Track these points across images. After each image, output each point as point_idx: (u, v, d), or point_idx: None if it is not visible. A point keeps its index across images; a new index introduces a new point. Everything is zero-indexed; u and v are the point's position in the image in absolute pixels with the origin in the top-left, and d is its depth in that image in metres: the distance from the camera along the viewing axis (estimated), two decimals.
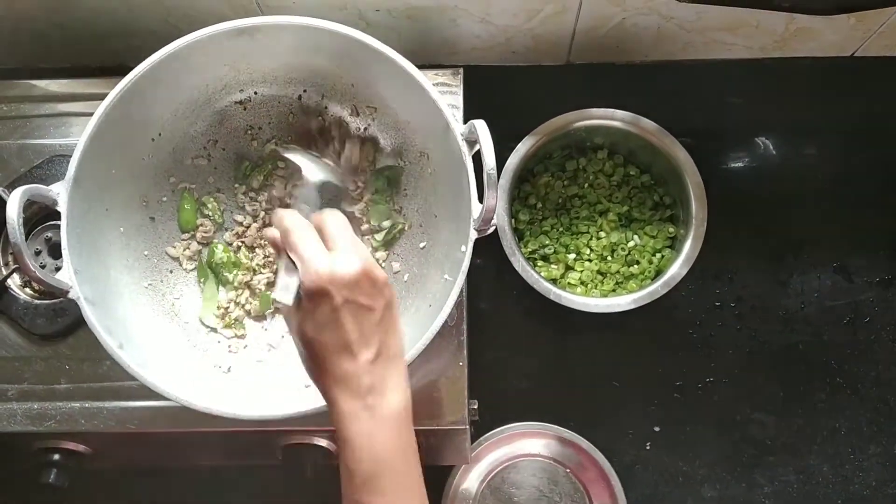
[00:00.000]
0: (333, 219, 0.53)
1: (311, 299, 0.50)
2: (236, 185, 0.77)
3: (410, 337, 0.65)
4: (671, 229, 0.86)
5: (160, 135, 0.72)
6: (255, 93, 0.75)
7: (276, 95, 0.75)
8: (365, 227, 0.76)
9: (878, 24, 0.86)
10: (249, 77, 0.73)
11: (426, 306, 0.70)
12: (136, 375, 0.62)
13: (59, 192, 0.63)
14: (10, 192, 0.74)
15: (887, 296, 0.89)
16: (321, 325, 0.50)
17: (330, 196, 0.64)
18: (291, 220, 0.53)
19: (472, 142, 0.64)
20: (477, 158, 0.63)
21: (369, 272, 0.50)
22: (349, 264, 0.49)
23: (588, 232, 0.87)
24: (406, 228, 0.76)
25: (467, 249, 0.64)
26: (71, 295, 0.62)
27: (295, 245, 0.51)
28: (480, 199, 0.63)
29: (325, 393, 0.52)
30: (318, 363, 0.51)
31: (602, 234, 0.87)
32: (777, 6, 0.71)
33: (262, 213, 0.77)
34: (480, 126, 0.61)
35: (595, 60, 0.94)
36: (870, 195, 0.92)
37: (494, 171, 0.60)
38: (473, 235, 0.64)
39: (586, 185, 0.89)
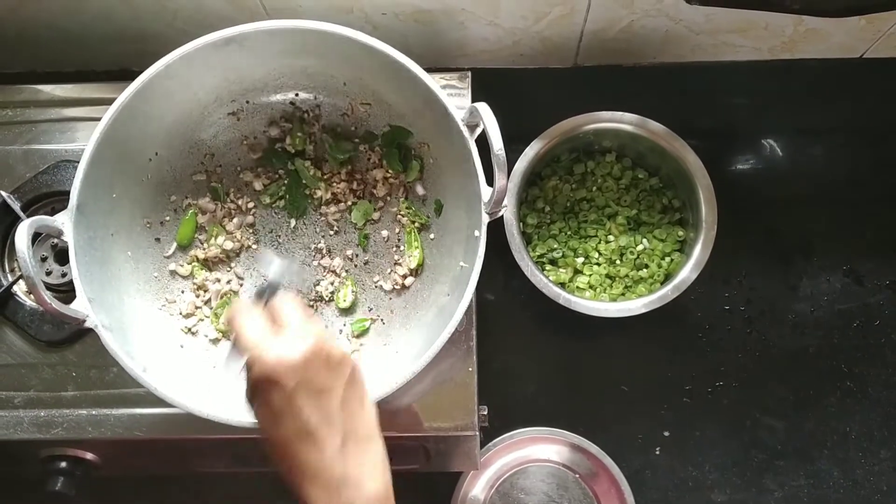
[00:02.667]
0: (283, 299, 0.50)
1: (263, 390, 0.46)
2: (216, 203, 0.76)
3: (433, 328, 0.66)
4: (680, 233, 0.85)
5: (157, 154, 0.72)
6: (248, 102, 0.74)
7: (268, 102, 0.75)
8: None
9: (888, 26, 0.86)
10: (240, 86, 0.73)
11: (444, 296, 0.70)
12: (165, 398, 0.62)
13: (64, 222, 0.62)
14: (16, 199, 0.76)
15: None
16: (277, 415, 0.46)
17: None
18: (237, 306, 0.50)
19: (472, 126, 0.64)
20: (480, 142, 0.62)
21: (321, 350, 0.46)
22: (296, 346, 0.46)
23: (596, 235, 0.86)
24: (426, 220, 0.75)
25: (481, 234, 0.64)
26: (88, 324, 0.61)
27: (238, 332, 0.48)
28: (489, 182, 0.62)
29: (297, 492, 0.47)
30: (283, 458, 0.47)
31: (611, 237, 0.86)
32: (787, 8, 0.71)
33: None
34: (483, 108, 0.60)
35: (603, 62, 0.93)
36: (879, 197, 0.91)
37: (503, 152, 0.59)
38: (486, 219, 0.63)
39: (594, 188, 0.88)
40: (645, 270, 0.85)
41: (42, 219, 0.60)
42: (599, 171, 0.88)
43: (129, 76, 0.65)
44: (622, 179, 0.88)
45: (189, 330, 0.72)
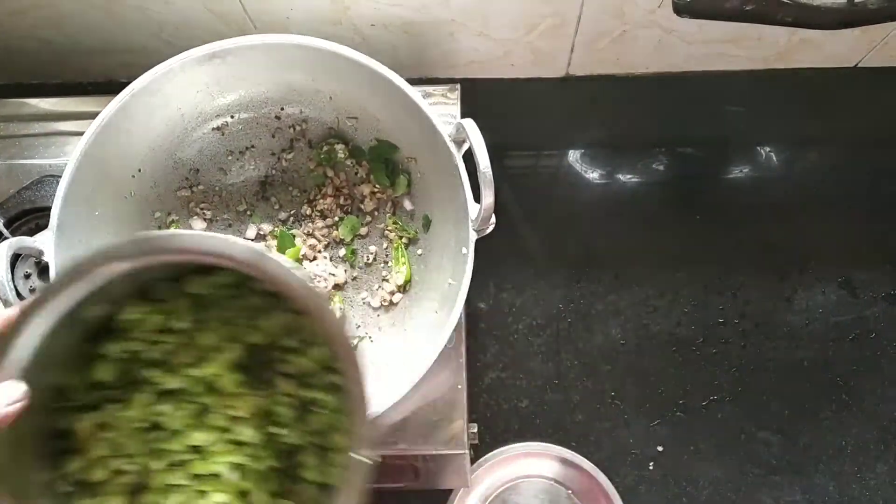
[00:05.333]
0: None
1: None
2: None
3: (421, 346, 0.65)
4: None
5: (140, 170, 0.70)
6: (232, 117, 0.73)
7: (253, 117, 0.74)
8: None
9: (882, 35, 0.85)
10: (224, 101, 0.72)
11: (433, 313, 0.68)
12: None
13: (45, 242, 0.61)
14: None
15: (893, 311, 0.88)
16: None
17: None
18: None
19: (459, 142, 0.63)
20: (468, 158, 0.62)
21: None
22: None
23: None
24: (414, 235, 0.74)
25: (469, 251, 0.63)
26: None
27: None
28: (476, 199, 0.61)
29: None
30: None
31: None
32: (780, 21, 0.70)
33: None
34: (469, 125, 0.60)
35: (594, 73, 0.92)
36: (874, 208, 0.91)
37: (489, 170, 0.59)
38: (473, 236, 0.63)
39: None
40: None
41: (21, 240, 0.59)
42: None
43: (116, 87, 0.64)
44: None
45: None
